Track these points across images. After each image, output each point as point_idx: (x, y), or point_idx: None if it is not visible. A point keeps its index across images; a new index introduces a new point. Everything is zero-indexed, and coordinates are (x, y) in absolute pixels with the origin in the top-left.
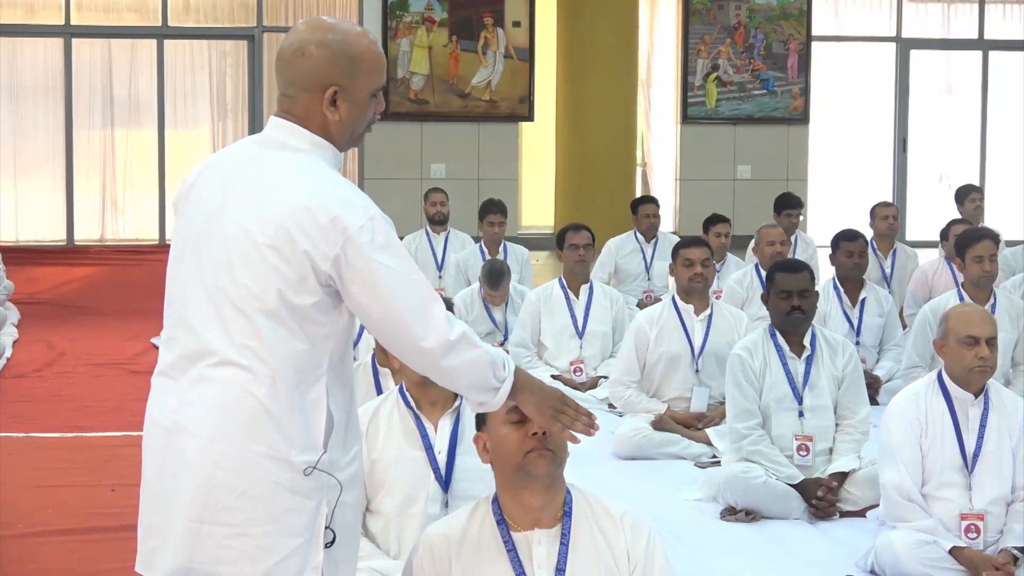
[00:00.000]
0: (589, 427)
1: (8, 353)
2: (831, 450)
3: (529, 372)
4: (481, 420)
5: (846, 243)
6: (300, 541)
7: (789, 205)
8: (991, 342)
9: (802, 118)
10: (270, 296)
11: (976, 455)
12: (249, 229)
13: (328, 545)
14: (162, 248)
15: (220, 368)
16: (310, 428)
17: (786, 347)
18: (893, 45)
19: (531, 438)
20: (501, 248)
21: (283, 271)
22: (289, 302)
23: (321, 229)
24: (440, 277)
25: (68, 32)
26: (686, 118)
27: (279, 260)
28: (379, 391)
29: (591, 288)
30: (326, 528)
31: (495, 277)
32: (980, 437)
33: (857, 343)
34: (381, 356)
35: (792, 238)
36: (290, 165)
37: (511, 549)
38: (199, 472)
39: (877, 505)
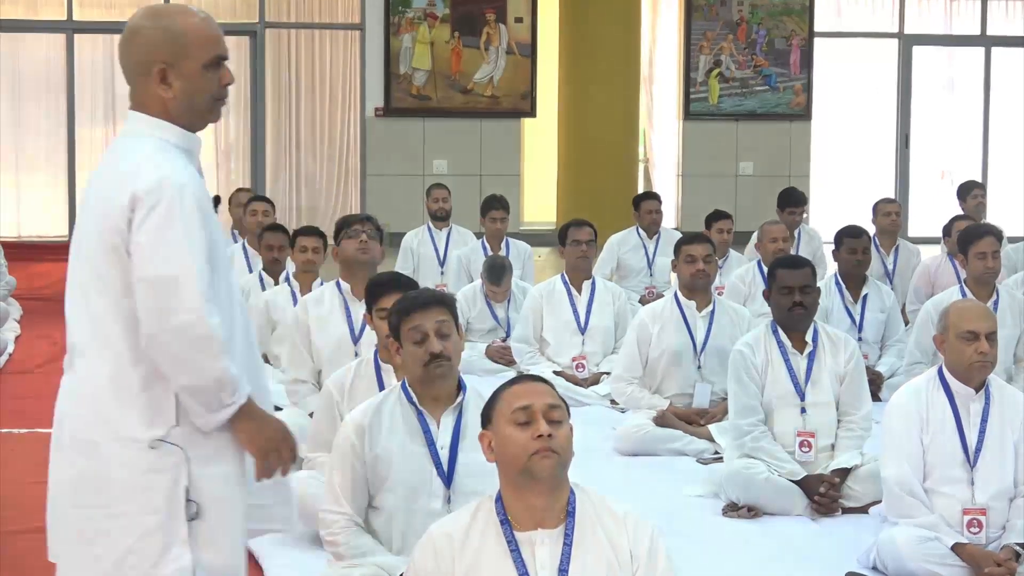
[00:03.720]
0: (282, 473)
1: (10, 349)
2: (833, 446)
3: (259, 406)
4: (487, 418)
5: (849, 240)
6: (159, 517)
7: (793, 202)
8: (991, 337)
9: (804, 114)
10: (106, 283)
11: (978, 449)
12: (88, 224)
13: (193, 518)
14: None
15: (78, 357)
16: (158, 403)
17: (788, 343)
18: (895, 41)
19: (537, 440)
20: (503, 244)
21: (111, 258)
22: (122, 286)
23: (120, 208)
24: (442, 273)
25: (70, 28)
26: (688, 114)
27: (106, 248)
28: (381, 387)
29: (593, 284)
30: (188, 501)
31: (497, 273)
32: (982, 432)
33: (859, 339)
34: (384, 352)
35: (796, 232)
36: (116, 154)
37: (514, 549)
38: (63, 458)
39: (879, 501)
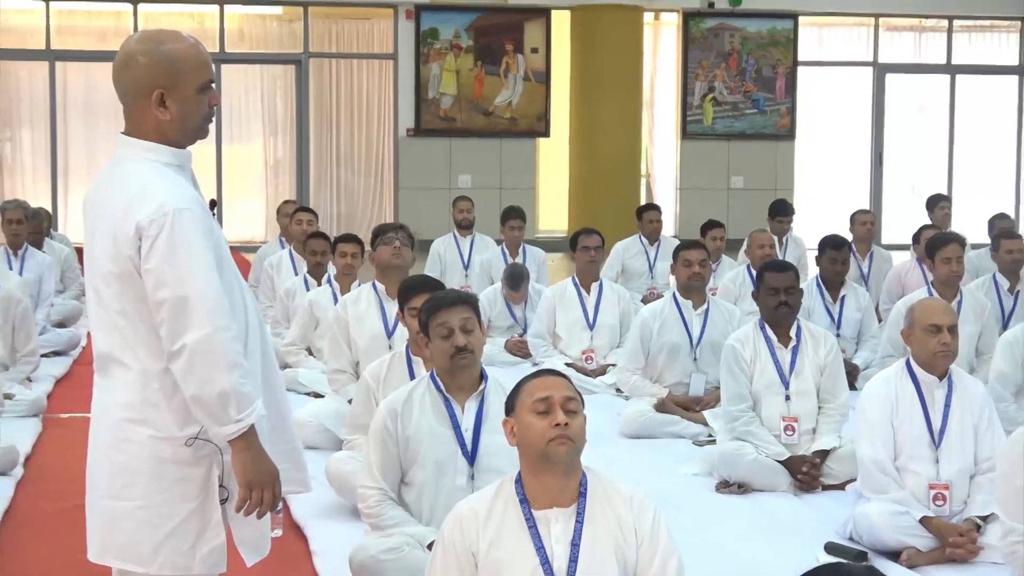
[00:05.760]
0: (258, 515)
1: (83, 342)
2: (814, 430)
3: (261, 444)
4: (510, 406)
5: (831, 251)
6: (195, 504)
7: (781, 212)
8: (952, 329)
9: (789, 134)
10: (125, 304)
11: (942, 431)
12: (99, 248)
13: (224, 501)
14: None
15: (108, 364)
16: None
17: (774, 338)
18: (870, 69)
19: (554, 428)
20: (521, 250)
21: (127, 282)
22: (139, 306)
23: (128, 238)
24: (466, 276)
25: None
26: (685, 134)
27: (122, 272)
28: (412, 376)
29: (601, 285)
30: (221, 487)
31: (516, 281)
32: (945, 416)
33: (838, 335)
34: (414, 346)
35: (784, 239)
36: (116, 180)
37: (532, 526)
38: (100, 455)
39: (855, 479)
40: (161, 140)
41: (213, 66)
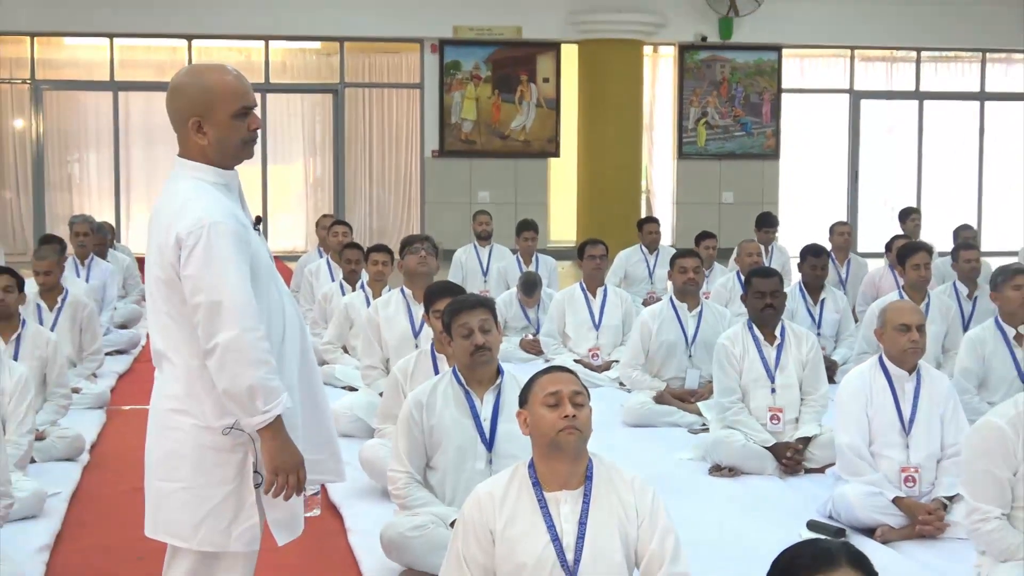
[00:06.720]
0: (284, 497)
1: (143, 342)
2: (797, 419)
3: (288, 432)
4: (523, 400)
5: (812, 258)
6: (231, 487)
7: (767, 224)
8: (920, 328)
9: (774, 154)
10: (171, 306)
11: (912, 420)
12: (151, 257)
13: (259, 486)
14: None
15: (160, 360)
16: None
17: (761, 337)
18: (846, 96)
19: (563, 419)
20: (534, 259)
21: (172, 287)
22: (182, 308)
23: (170, 248)
24: (485, 282)
25: None
26: (681, 154)
27: (167, 279)
28: (436, 372)
29: (605, 290)
30: (255, 472)
31: (530, 288)
32: (914, 406)
33: (818, 334)
34: (438, 345)
35: (770, 248)
36: (166, 196)
37: (543, 506)
38: (152, 441)
39: (834, 463)
40: (206, 162)
41: (251, 94)
